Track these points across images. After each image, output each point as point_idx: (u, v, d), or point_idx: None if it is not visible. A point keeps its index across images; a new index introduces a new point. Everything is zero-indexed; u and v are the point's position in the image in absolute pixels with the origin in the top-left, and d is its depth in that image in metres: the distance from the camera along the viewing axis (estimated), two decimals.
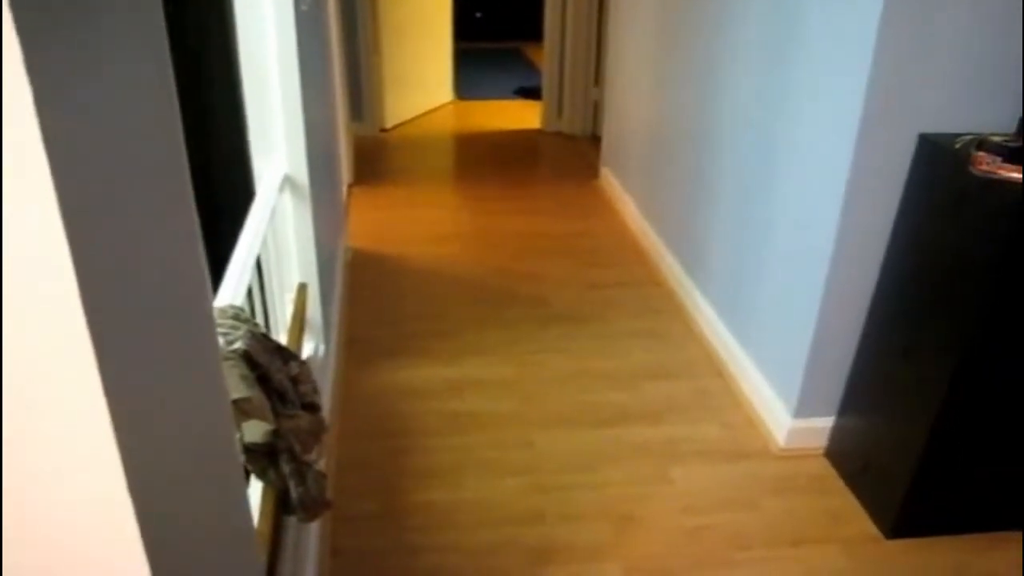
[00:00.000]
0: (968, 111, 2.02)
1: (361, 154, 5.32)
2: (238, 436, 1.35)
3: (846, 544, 2.16)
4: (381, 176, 5.14)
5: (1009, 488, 2.13)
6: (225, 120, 2.20)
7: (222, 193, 2.14)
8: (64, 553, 0.64)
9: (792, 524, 2.22)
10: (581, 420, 2.66)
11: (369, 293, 3.53)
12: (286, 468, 1.44)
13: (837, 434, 2.44)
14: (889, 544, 2.16)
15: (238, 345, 1.43)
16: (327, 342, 2.58)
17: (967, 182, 1.84)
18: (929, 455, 2.03)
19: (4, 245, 0.51)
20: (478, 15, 9.57)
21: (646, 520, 2.22)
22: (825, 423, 2.46)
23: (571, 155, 5.65)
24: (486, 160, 5.57)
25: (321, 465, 1.60)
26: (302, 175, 2.28)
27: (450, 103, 7.03)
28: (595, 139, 5.70)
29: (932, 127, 2.03)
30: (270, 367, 1.51)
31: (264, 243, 2.00)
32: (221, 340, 1.42)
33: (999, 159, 1.81)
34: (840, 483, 2.37)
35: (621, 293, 3.57)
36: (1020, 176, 1.75)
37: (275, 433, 1.40)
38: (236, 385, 1.33)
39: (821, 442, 2.48)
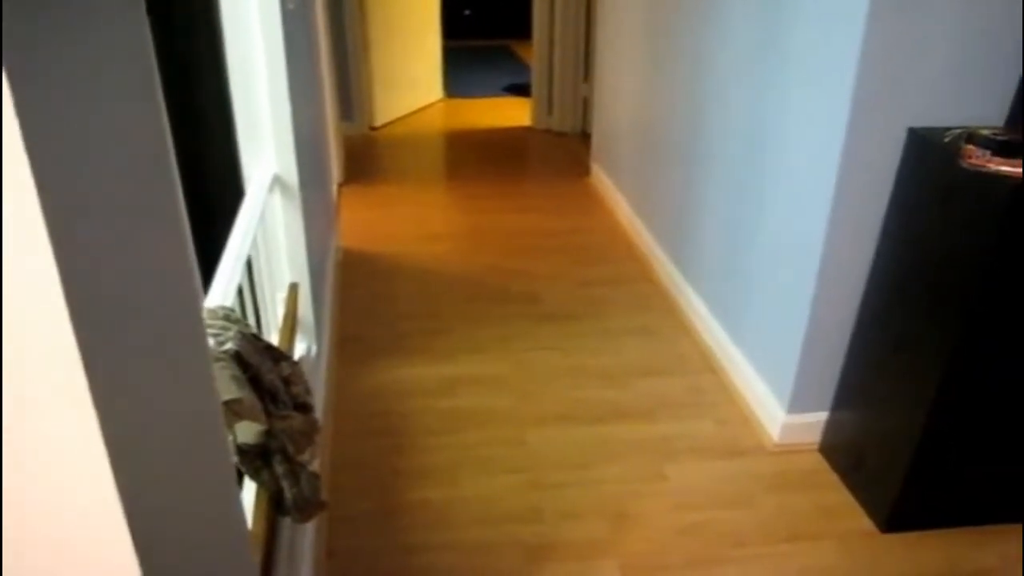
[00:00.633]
0: (957, 104, 2.02)
1: (351, 153, 5.31)
2: (230, 437, 1.34)
3: (840, 539, 2.16)
4: (371, 175, 5.13)
5: (1003, 482, 2.14)
6: (214, 120, 2.19)
7: (212, 194, 2.13)
8: (54, 556, 0.63)
9: (787, 520, 2.22)
10: (575, 417, 2.65)
11: (361, 292, 3.52)
12: (279, 469, 1.43)
13: (831, 429, 2.44)
14: (883, 538, 2.16)
15: (229, 346, 1.42)
16: (319, 342, 2.57)
17: (957, 175, 1.85)
18: (922, 449, 2.03)
19: None
20: (467, 12, 9.57)
21: (641, 517, 2.22)
22: (819, 418, 2.46)
23: (561, 152, 5.64)
24: (477, 158, 5.56)
25: (315, 466, 1.59)
26: (291, 175, 2.27)
27: (440, 101, 7.02)
28: (585, 136, 5.70)
29: (921, 121, 2.03)
30: (261, 368, 1.50)
31: (254, 243, 2.00)
32: (212, 341, 1.41)
33: (988, 152, 1.81)
34: (834, 478, 2.38)
35: (613, 290, 3.57)
36: (1009, 169, 1.75)
37: (268, 434, 1.40)
38: (227, 386, 1.32)
39: (815, 437, 2.49)
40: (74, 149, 0.58)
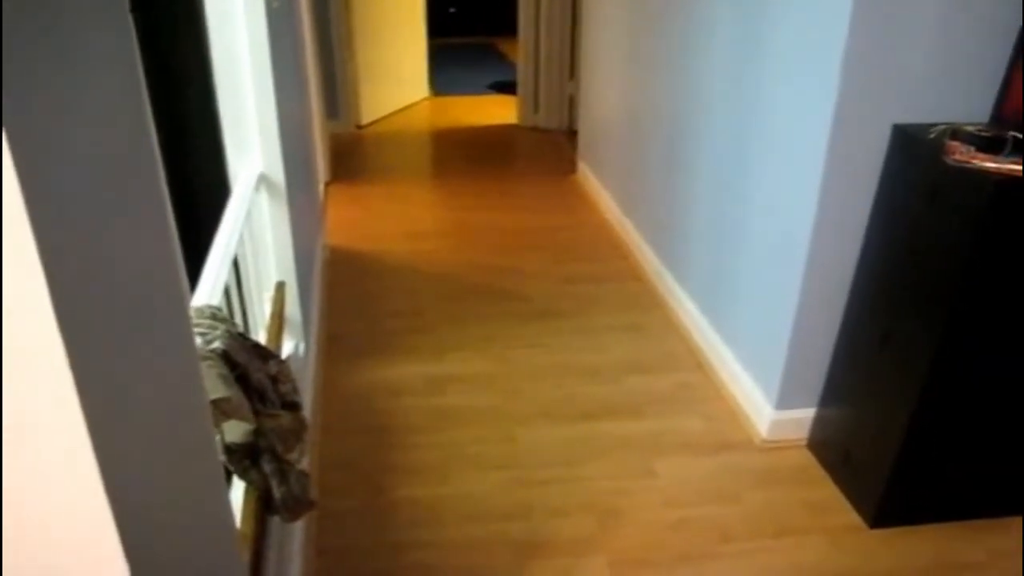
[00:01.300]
0: (941, 101, 2.03)
1: (337, 151, 5.30)
2: (218, 436, 1.34)
3: (829, 535, 2.17)
4: (358, 173, 5.11)
5: (989, 477, 2.15)
6: (199, 119, 2.18)
7: (198, 193, 2.12)
8: (42, 555, 0.63)
9: (775, 515, 2.23)
10: (563, 414, 2.66)
11: (348, 290, 3.51)
12: (268, 468, 1.43)
13: (819, 425, 2.45)
14: (871, 534, 2.18)
15: (216, 345, 1.42)
16: (307, 340, 2.56)
17: (941, 172, 1.86)
18: (909, 444, 2.04)
19: None
20: (452, 10, 9.55)
21: (630, 513, 2.23)
22: (807, 414, 2.47)
23: (548, 150, 5.64)
24: (463, 156, 5.56)
25: (304, 464, 1.59)
26: (278, 173, 2.26)
27: (426, 99, 7.01)
28: (572, 133, 5.70)
29: (906, 117, 2.04)
30: (249, 366, 1.49)
31: (241, 242, 1.99)
32: (199, 340, 1.41)
33: (973, 148, 1.82)
34: (822, 473, 2.39)
35: (600, 287, 3.57)
36: (993, 165, 1.76)
37: (256, 433, 1.39)
38: (215, 385, 1.31)
39: (803, 433, 2.50)
40: (58, 147, 0.58)
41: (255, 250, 2.22)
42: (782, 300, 2.36)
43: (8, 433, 0.56)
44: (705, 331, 2.96)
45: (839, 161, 2.09)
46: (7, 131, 0.48)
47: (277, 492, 1.44)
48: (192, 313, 1.47)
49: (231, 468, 1.39)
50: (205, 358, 1.36)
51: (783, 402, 2.45)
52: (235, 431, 1.36)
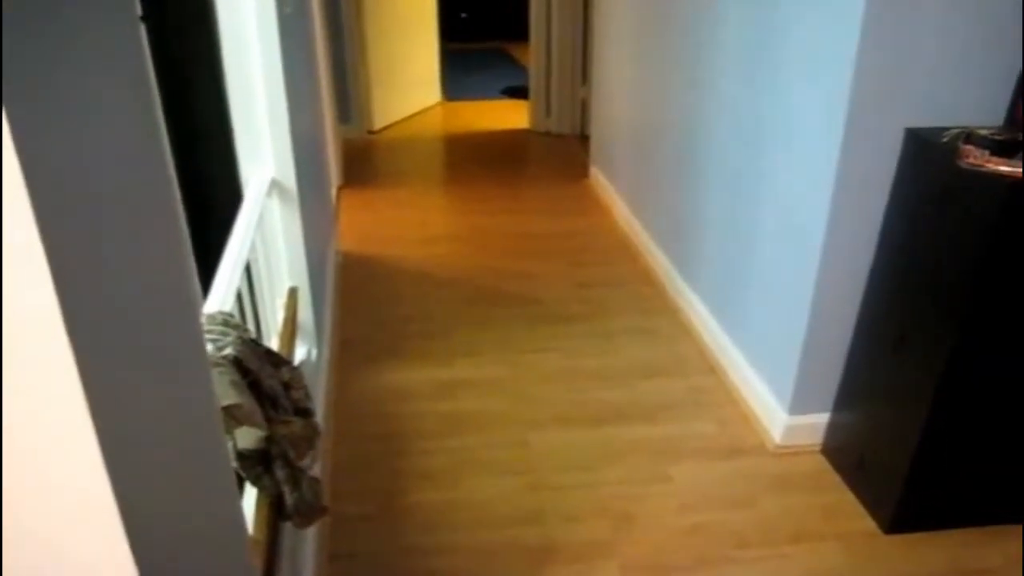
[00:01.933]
0: (955, 104, 2.02)
1: (350, 156, 5.31)
2: (230, 443, 1.34)
3: (844, 540, 2.15)
4: (370, 178, 5.13)
5: (1005, 481, 2.13)
6: (212, 125, 2.19)
7: (210, 199, 2.12)
8: (52, 563, 0.63)
9: (790, 521, 2.22)
10: (576, 419, 2.65)
11: (361, 295, 3.52)
12: (280, 474, 1.43)
13: (832, 430, 2.43)
14: (887, 540, 2.16)
15: (228, 351, 1.42)
16: (319, 346, 2.56)
17: (955, 175, 1.84)
18: (924, 449, 2.02)
19: None
20: (463, 15, 9.57)
21: (644, 519, 2.22)
22: (820, 419, 2.46)
23: (560, 154, 5.64)
24: (475, 161, 5.56)
25: (316, 470, 1.59)
26: (289, 179, 2.27)
27: (438, 104, 7.02)
28: (584, 138, 5.70)
29: (919, 121, 2.03)
30: (261, 373, 1.50)
31: (253, 248, 1.99)
32: (211, 346, 1.41)
33: (986, 152, 1.81)
34: (837, 479, 2.37)
35: (612, 292, 3.56)
36: (1007, 168, 1.74)
37: (268, 439, 1.39)
38: (227, 391, 1.31)
39: (817, 438, 2.48)
40: (70, 155, 0.58)
41: (267, 255, 2.23)
42: (795, 304, 2.35)
43: (16, 440, 0.56)
44: (717, 335, 2.95)
45: (852, 164, 2.08)
46: (16, 136, 0.48)
47: (289, 498, 1.44)
48: (204, 319, 1.48)
49: (243, 475, 1.39)
50: (217, 365, 1.36)
51: (796, 407, 2.44)
52: (247, 437, 1.36)
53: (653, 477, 2.38)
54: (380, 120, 6.13)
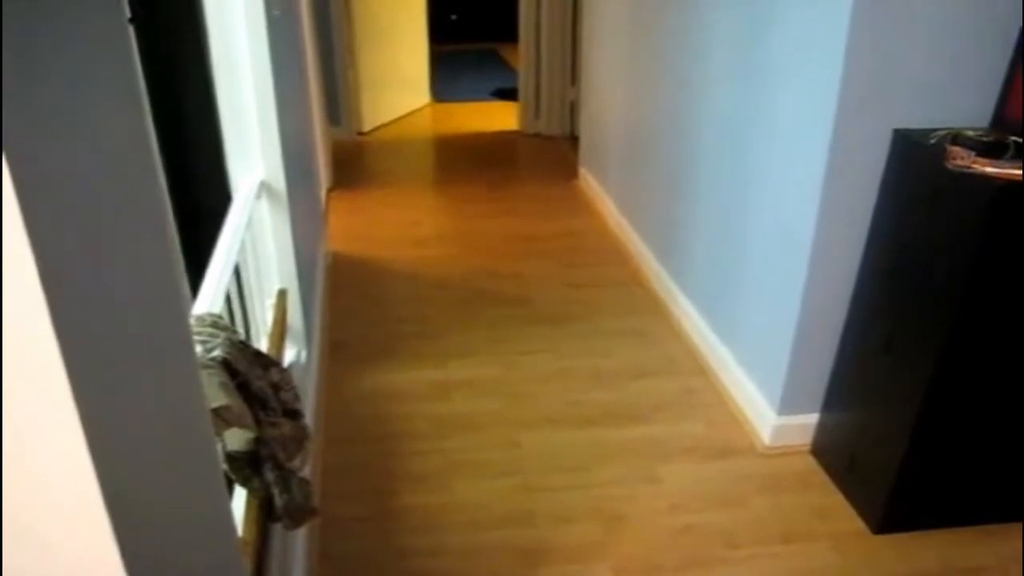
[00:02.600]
0: (942, 106, 2.03)
1: (339, 158, 5.30)
2: (220, 445, 1.34)
3: (833, 540, 2.16)
4: (360, 180, 5.12)
5: (995, 481, 2.14)
6: (200, 126, 2.18)
7: (199, 201, 2.12)
8: (40, 564, 0.62)
9: (779, 521, 2.22)
10: (567, 420, 2.65)
11: (351, 297, 3.51)
12: (270, 476, 1.43)
13: (822, 430, 2.44)
14: (876, 539, 2.17)
15: (217, 353, 1.41)
16: (309, 347, 2.56)
17: (942, 176, 1.85)
18: (913, 450, 2.03)
19: None
20: (453, 17, 9.57)
21: (635, 519, 2.22)
22: (810, 420, 2.46)
23: (549, 156, 5.65)
24: (465, 162, 5.56)
25: (306, 472, 1.58)
26: (279, 181, 2.26)
27: (427, 105, 7.02)
28: (573, 139, 5.71)
29: (906, 122, 2.04)
30: (250, 374, 1.49)
31: (242, 249, 1.99)
32: (200, 348, 1.40)
33: (973, 153, 1.82)
34: (826, 479, 2.38)
35: (603, 292, 3.57)
36: (994, 170, 1.75)
37: (257, 441, 1.39)
38: (216, 393, 1.31)
39: (806, 439, 2.49)
40: (57, 158, 0.58)
41: (256, 257, 2.22)
42: (784, 305, 2.36)
43: (4, 442, 0.56)
44: (707, 336, 2.96)
45: (840, 166, 2.08)
46: (3, 139, 0.47)
47: (279, 500, 1.44)
48: (193, 321, 1.47)
49: (233, 476, 1.38)
50: (206, 366, 1.36)
51: (786, 407, 2.44)
52: (236, 439, 1.35)
53: (644, 478, 2.38)
54: (370, 122, 6.13)
